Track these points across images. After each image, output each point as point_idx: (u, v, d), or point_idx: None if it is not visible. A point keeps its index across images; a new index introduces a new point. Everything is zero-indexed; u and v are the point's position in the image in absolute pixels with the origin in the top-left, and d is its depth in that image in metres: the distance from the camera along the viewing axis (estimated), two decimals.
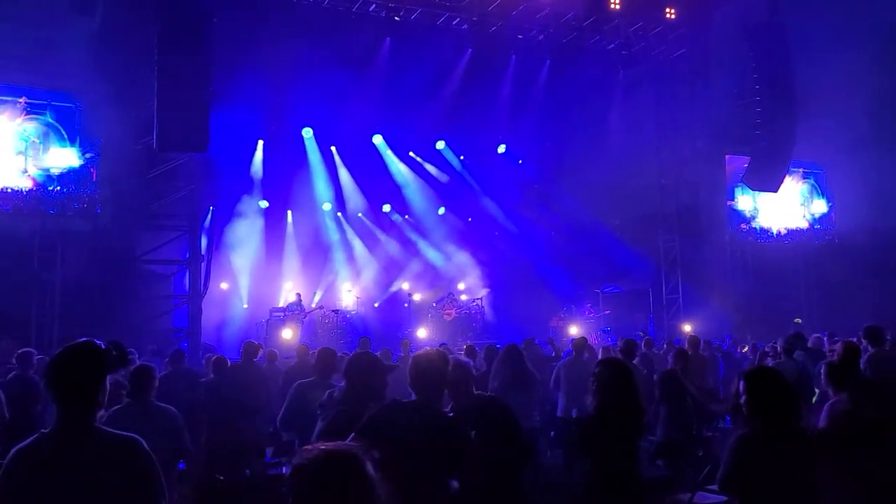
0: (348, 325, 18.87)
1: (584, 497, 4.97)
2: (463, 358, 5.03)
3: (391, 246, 22.53)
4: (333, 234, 22.00)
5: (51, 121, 15.31)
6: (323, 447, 2.01)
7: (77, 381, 2.73)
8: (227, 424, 7.59)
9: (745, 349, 13.90)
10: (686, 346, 10.82)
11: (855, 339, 8.11)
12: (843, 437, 4.74)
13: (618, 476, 4.86)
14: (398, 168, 21.87)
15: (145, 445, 2.79)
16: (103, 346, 2.84)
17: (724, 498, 6.08)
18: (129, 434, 2.81)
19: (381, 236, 22.57)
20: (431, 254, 22.53)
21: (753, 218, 22.35)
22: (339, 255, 21.90)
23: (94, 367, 2.77)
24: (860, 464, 4.65)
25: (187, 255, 16.34)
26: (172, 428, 5.25)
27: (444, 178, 22.32)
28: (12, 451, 2.68)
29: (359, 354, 4.74)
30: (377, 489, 1.96)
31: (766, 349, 11.62)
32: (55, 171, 15.07)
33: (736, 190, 22.01)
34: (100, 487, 2.61)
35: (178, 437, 5.25)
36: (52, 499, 2.57)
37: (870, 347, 8.68)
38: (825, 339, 11.15)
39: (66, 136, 15.31)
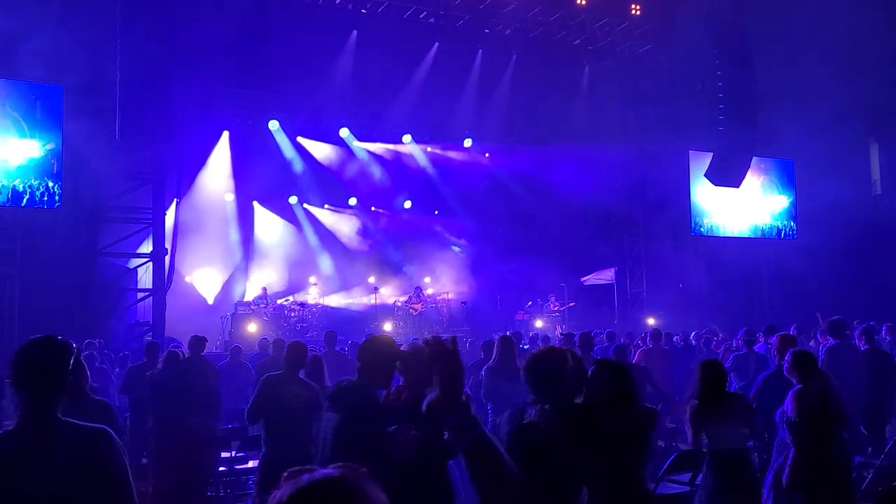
0: (314, 319, 18.78)
1: None
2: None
3: (358, 239, 22.43)
4: (300, 227, 21.84)
5: (9, 111, 14.97)
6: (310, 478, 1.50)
7: (44, 374, 2.74)
8: (175, 419, 7.50)
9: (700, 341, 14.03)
10: (647, 339, 10.96)
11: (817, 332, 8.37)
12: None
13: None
14: (365, 160, 21.77)
15: (114, 435, 2.79)
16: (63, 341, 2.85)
17: (686, 489, 6.22)
18: (98, 425, 2.81)
19: (348, 229, 22.46)
20: (398, 247, 22.48)
21: (715, 213, 22.64)
22: (305, 248, 21.76)
23: (60, 360, 2.78)
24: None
25: (151, 249, 16.15)
26: (106, 421, 5.18)
27: (409, 170, 22.28)
28: None
29: (372, 337, 4.52)
30: None
31: (730, 344, 11.82)
32: (14, 163, 14.77)
33: (698, 185, 22.27)
34: (69, 480, 2.61)
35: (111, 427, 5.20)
36: (22, 494, 2.56)
37: (830, 340, 8.97)
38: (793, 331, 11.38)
39: (25, 127, 14.97)
